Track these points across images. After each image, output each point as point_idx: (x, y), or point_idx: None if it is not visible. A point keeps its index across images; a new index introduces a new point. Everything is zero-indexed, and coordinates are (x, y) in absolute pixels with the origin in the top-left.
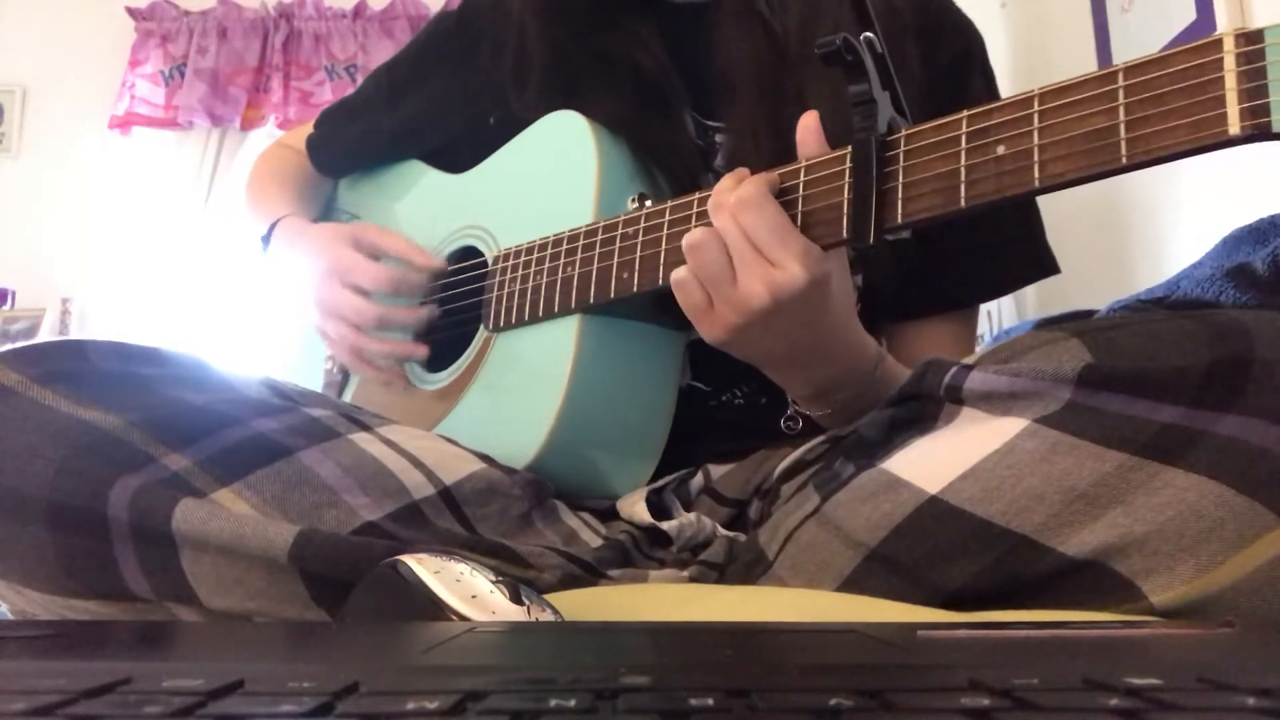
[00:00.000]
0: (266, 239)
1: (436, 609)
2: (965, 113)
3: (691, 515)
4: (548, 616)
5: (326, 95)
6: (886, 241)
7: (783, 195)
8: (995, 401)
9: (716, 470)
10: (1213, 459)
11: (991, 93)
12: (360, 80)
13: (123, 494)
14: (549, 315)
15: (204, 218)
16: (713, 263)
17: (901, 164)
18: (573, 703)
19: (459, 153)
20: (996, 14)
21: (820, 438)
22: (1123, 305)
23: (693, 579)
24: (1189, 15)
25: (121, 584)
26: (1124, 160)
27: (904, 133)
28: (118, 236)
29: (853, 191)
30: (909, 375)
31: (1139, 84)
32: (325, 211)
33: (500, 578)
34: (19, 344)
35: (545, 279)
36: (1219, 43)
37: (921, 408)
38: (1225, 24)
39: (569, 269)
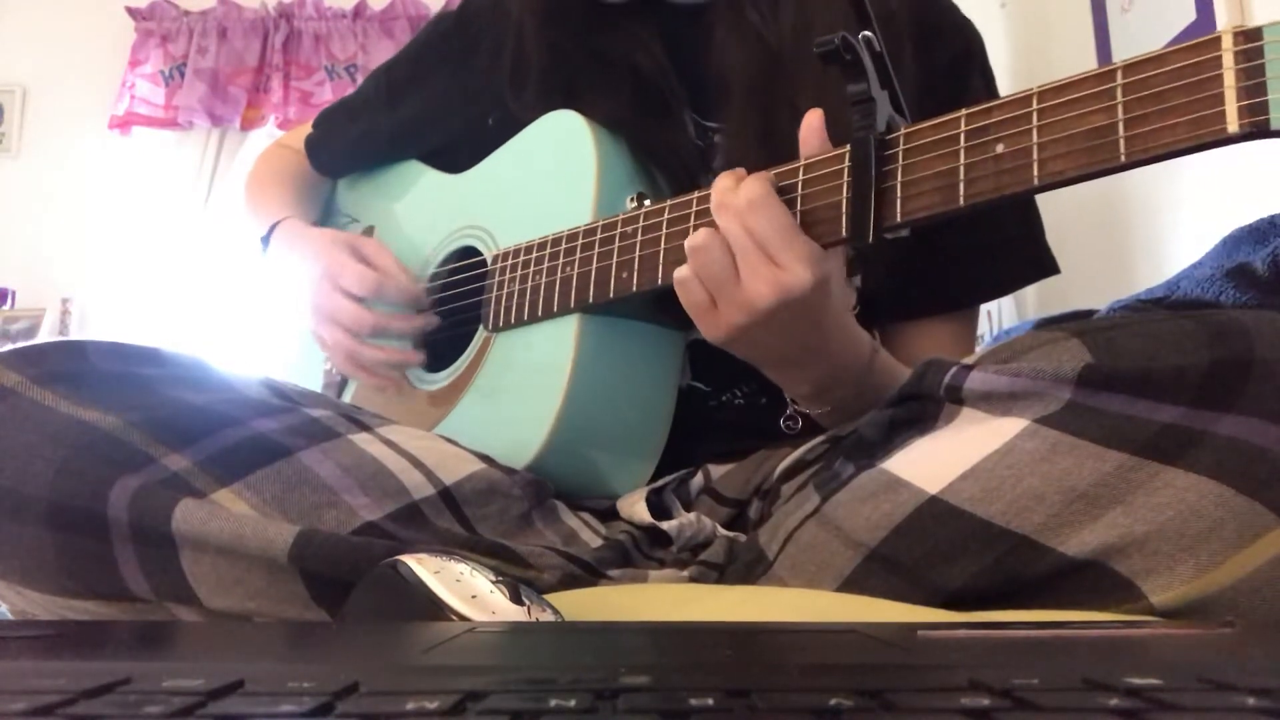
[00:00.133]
0: (266, 240)
1: (436, 609)
2: (964, 111)
3: (691, 515)
4: (548, 616)
5: (326, 95)
6: (886, 240)
7: (782, 194)
8: (995, 401)
9: (716, 470)
10: (1213, 459)
11: (991, 92)
12: (360, 80)
13: (122, 494)
14: (548, 315)
15: (204, 218)
16: (716, 264)
17: (900, 163)
18: (573, 703)
19: (458, 153)
20: (996, 14)
21: (820, 437)
22: (1123, 305)
23: (693, 579)
24: (1189, 15)
25: (121, 584)
26: (1123, 158)
27: (903, 131)
28: (118, 236)
29: (852, 190)
30: (907, 373)
31: (1137, 82)
32: (325, 212)
33: (500, 578)
34: (19, 344)
35: (544, 279)
36: (1218, 41)
37: (921, 408)
38: (1225, 23)
39: (568, 269)
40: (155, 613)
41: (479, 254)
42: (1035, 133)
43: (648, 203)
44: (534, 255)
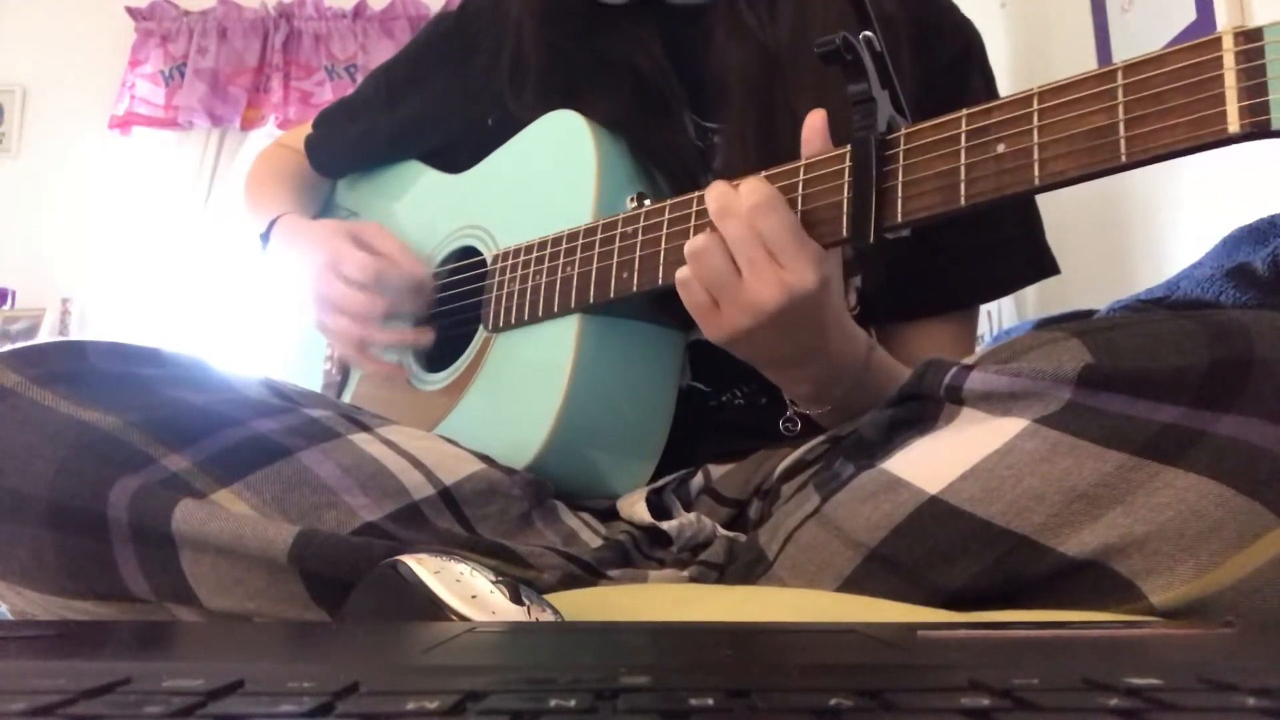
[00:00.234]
0: (265, 237)
1: (436, 609)
2: (965, 111)
3: (691, 515)
4: (548, 616)
5: (326, 95)
6: (886, 240)
7: (782, 195)
8: (995, 402)
9: (716, 470)
10: (1213, 459)
11: (991, 92)
12: (360, 80)
13: (122, 494)
14: (548, 315)
15: (204, 218)
16: (717, 268)
17: (901, 163)
18: (573, 703)
19: (458, 153)
20: (996, 14)
21: (820, 438)
22: (1123, 305)
23: (693, 579)
24: (1189, 15)
25: (121, 585)
26: (1123, 158)
27: (903, 131)
28: (118, 236)
29: (852, 190)
30: (906, 372)
31: (1138, 82)
32: (324, 211)
33: (500, 578)
34: (19, 344)
35: (545, 279)
36: (1218, 41)
37: (921, 408)
38: (1225, 23)
39: (568, 269)
40: (155, 613)
41: (479, 254)
42: (1036, 133)
43: (648, 203)
44: (534, 255)
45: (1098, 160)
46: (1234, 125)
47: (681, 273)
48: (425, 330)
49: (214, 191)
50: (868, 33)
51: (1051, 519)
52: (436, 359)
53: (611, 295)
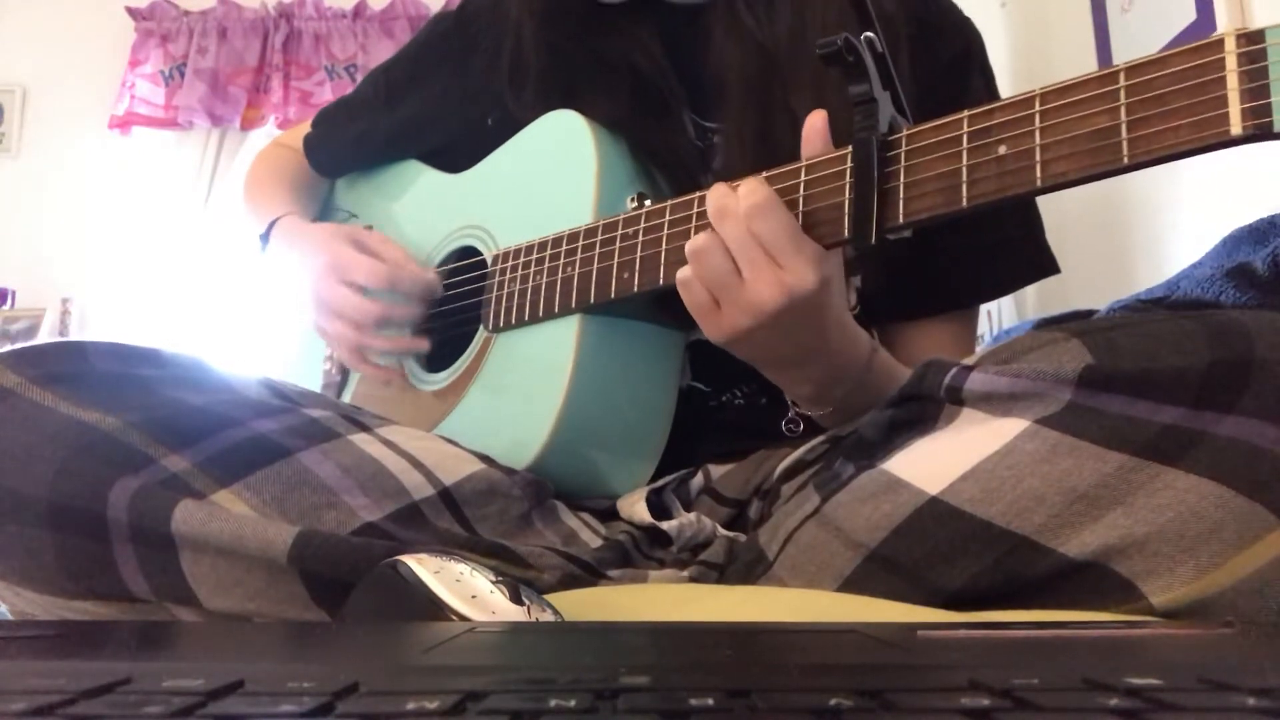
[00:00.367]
0: (265, 238)
1: (436, 609)
2: (966, 112)
3: (691, 515)
4: (548, 616)
5: (326, 95)
6: (887, 241)
7: (783, 195)
8: (995, 402)
9: (716, 470)
10: (1213, 460)
11: (991, 92)
12: (360, 80)
13: (122, 495)
14: (549, 315)
15: (204, 218)
16: (717, 268)
17: (903, 164)
18: (573, 703)
19: (457, 153)
20: (996, 14)
21: (820, 438)
22: (1123, 305)
23: (693, 579)
24: (1189, 15)
25: (121, 585)
26: (1125, 160)
27: (905, 132)
28: (118, 236)
29: (854, 191)
30: (906, 373)
31: (1140, 84)
32: (323, 212)
33: (500, 578)
34: (18, 345)
35: (545, 279)
36: (1220, 43)
37: (921, 408)
38: (1225, 24)
39: (569, 269)
40: (155, 613)
41: (479, 254)
42: (1038, 134)
43: (648, 203)
44: (534, 255)
45: (1100, 162)
46: (1236, 127)
47: (682, 273)
48: (421, 339)
49: (214, 191)
50: (869, 34)
51: (1052, 520)
52: (436, 359)
53: (612, 295)
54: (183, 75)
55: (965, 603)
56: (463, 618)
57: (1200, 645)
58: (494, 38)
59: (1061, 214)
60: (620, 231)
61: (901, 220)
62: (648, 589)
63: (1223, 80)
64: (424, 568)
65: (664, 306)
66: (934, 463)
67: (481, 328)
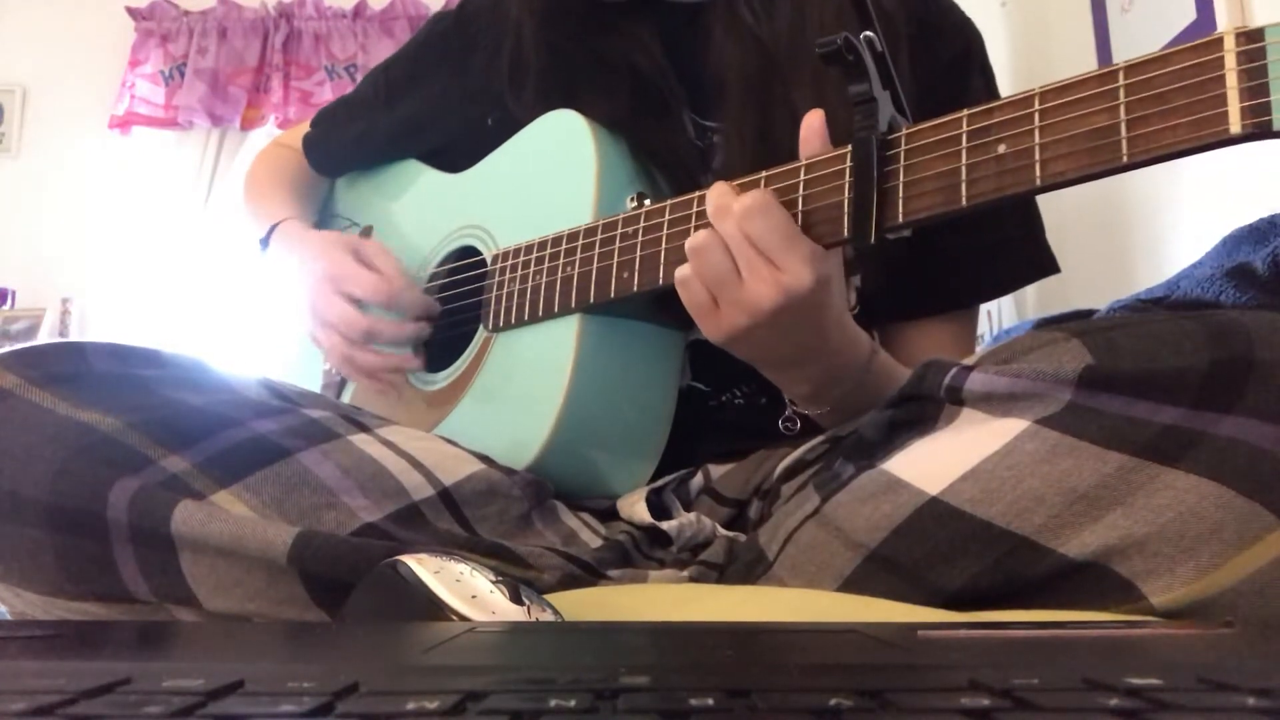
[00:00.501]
0: (265, 241)
1: (436, 609)
2: (966, 112)
3: (691, 515)
4: (548, 616)
5: (326, 95)
6: (887, 240)
7: (783, 195)
8: (995, 402)
9: (716, 470)
10: (1213, 460)
11: (991, 92)
12: (360, 80)
13: (122, 496)
14: (549, 315)
15: (204, 218)
16: (717, 266)
17: (902, 163)
18: (573, 703)
19: (457, 153)
20: (996, 14)
21: (820, 438)
22: (1123, 305)
23: (693, 579)
24: (1189, 15)
25: (120, 586)
26: (1125, 159)
27: (904, 132)
28: (118, 236)
29: (854, 190)
30: (906, 374)
31: (1140, 83)
32: (323, 213)
33: (500, 578)
34: (18, 345)
35: (545, 279)
36: (1219, 41)
37: (921, 409)
38: (1225, 23)
39: (569, 269)
40: (154, 614)
41: (478, 254)
42: (1037, 133)
43: (648, 203)
44: (534, 255)
45: (1099, 161)
46: (1235, 126)
47: (681, 271)
48: (415, 358)
49: (214, 191)
50: (869, 33)
51: (1052, 520)
52: (436, 359)
53: (612, 295)
54: (183, 75)
55: (965, 603)
56: (463, 618)
57: (1200, 645)
58: (494, 37)
59: (1061, 214)
60: (620, 231)
61: (901, 220)
62: (648, 589)
63: (1222, 79)
64: (424, 568)
65: (664, 306)
66: (934, 463)
67: (481, 328)
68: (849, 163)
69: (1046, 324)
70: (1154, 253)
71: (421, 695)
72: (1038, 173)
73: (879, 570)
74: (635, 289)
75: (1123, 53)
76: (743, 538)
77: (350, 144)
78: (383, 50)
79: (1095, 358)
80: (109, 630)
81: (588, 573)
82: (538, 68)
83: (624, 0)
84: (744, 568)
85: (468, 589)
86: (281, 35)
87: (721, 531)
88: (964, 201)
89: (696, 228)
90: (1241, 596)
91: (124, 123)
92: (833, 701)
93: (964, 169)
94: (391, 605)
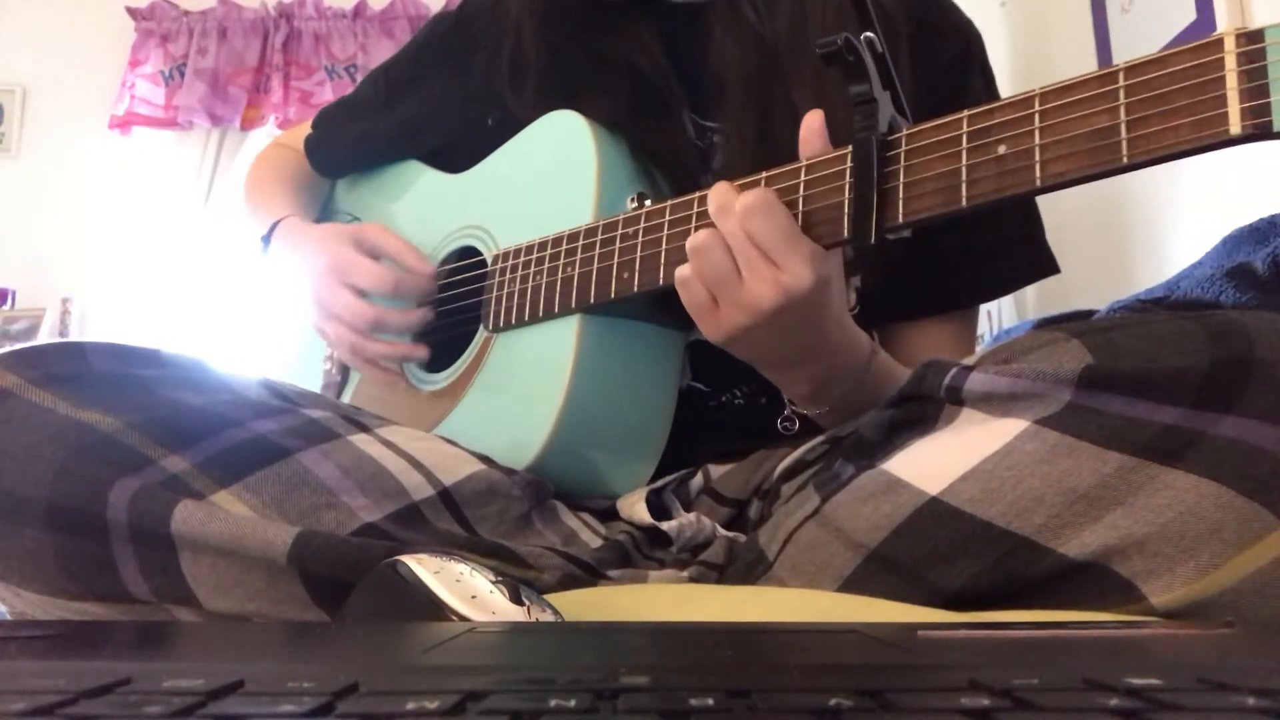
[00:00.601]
0: (266, 239)
1: (436, 609)
2: (966, 112)
3: (691, 515)
4: (548, 617)
5: (326, 95)
6: (887, 241)
7: (783, 195)
8: (995, 402)
9: (716, 470)
10: (1213, 460)
11: (991, 92)
12: (360, 80)
13: (122, 496)
14: (549, 315)
15: (204, 218)
16: (717, 265)
17: (902, 163)
18: (573, 703)
19: (457, 153)
20: (996, 14)
21: (820, 438)
22: (1123, 305)
23: (693, 579)
24: (1189, 15)
25: (120, 586)
26: (1125, 160)
27: (905, 132)
28: (118, 236)
29: (854, 191)
30: (906, 374)
31: (1140, 83)
32: (324, 212)
33: (500, 578)
34: (17, 345)
35: (545, 279)
36: (1220, 42)
37: (921, 409)
38: (1225, 24)
39: (569, 269)
40: (154, 614)
41: (479, 254)
42: (1037, 134)
43: (648, 203)
44: (534, 255)
45: (1099, 161)
46: (1235, 127)
47: (682, 271)
48: (420, 346)
49: (214, 191)
50: (869, 33)
51: (1052, 520)
52: (436, 359)
53: (612, 295)
54: (183, 75)
55: (965, 603)
56: (463, 618)
57: (1200, 645)
58: (494, 37)
59: (1061, 214)
60: (620, 231)
61: (901, 220)
62: (648, 589)
63: (1222, 80)
64: (424, 568)
65: (664, 306)
66: (934, 463)
67: (481, 328)
68: (849, 163)
69: (1046, 324)
70: (1154, 253)
71: (421, 695)
72: (1038, 173)
73: (879, 570)
74: (635, 289)
75: (1123, 53)
76: (743, 538)
77: (351, 145)
78: (383, 50)
79: (1095, 358)
80: (109, 630)
81: (588, 573)
82: (538, 68)
83: (624, 0)
84: (744, 568)
85: (468, 589)
86: (281, 35)
87: (721, 532)
88: (964, 202)
89: (697, 228)
90: (1241, 596)
91: (124, 123)
92: (833, 701)
93: (964, 169)
94: (391, 605)
